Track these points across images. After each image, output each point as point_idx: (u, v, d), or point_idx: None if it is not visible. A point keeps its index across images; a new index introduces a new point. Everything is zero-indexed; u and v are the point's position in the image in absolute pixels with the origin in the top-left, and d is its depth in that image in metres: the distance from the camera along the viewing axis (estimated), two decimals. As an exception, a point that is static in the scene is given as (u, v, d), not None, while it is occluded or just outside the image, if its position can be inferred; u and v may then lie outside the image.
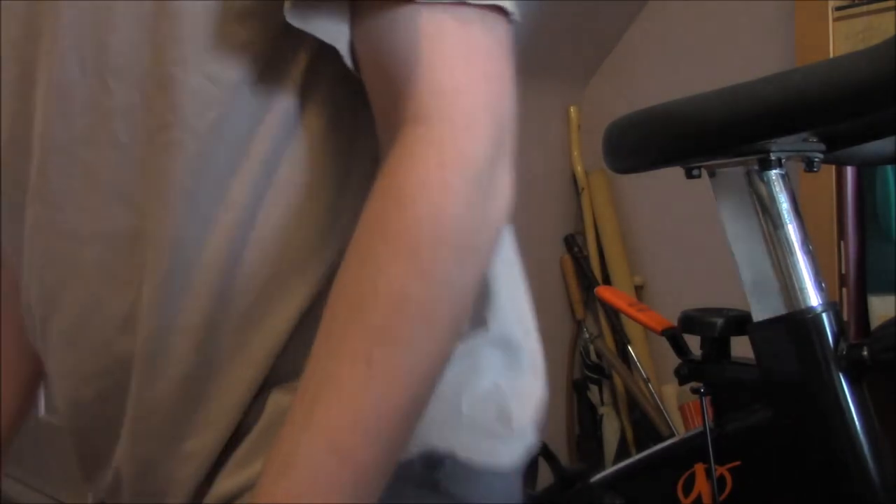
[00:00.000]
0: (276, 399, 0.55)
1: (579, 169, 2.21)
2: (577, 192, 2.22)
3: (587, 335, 2.17)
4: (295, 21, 0.49)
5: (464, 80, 0.49)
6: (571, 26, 2.06)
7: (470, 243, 0.48)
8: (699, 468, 0.91)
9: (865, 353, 0.82)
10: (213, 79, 0.52)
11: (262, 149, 0.53)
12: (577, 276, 2.19)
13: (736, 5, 1.94)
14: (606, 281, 2.16)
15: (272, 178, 0.54)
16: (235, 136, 0.53)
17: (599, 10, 2.06)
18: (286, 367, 0.54)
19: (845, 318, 1.54)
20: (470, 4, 0.49)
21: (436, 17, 0.49)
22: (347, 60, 0.51)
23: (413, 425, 0.49)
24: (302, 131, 0.54)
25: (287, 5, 0.49)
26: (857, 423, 0.83)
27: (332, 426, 0.46)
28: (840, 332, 0.85)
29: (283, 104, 0.53)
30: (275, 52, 0.53)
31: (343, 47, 0.51)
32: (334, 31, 0.50)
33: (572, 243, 2.20)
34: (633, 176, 1.01)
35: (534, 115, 2.15)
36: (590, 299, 2.21)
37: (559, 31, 2.05)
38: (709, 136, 0.82)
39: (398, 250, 0.47)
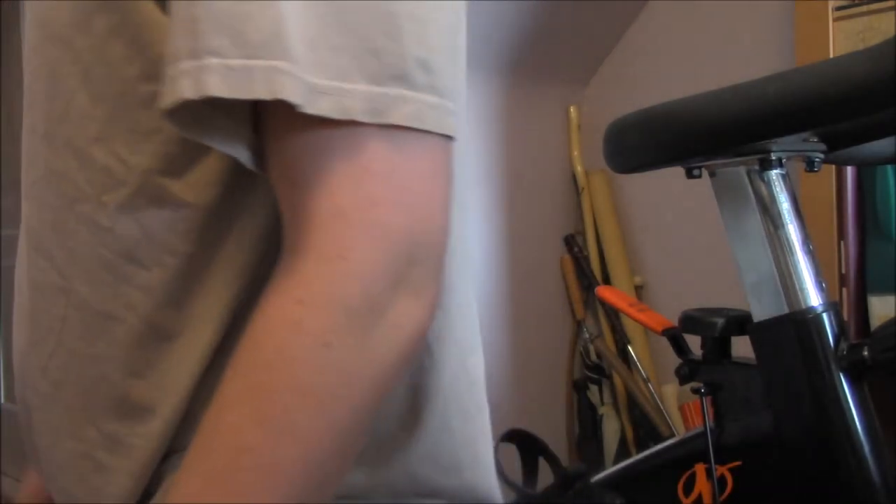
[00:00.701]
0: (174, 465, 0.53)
1: (579, 169, 2.21)
2: (577, 192, 2.22)
3: (587, 335, 2.17)
4: (188, 133, 0.45)
5: (344, 206, 0.43)
6: (571, 26, 2.06)
7: (327, 390, 0.43)
8: (700, 468, 0.91)
9: (866, 353, 0.82)
10: (122, 160, 0.51)
11: (176, 240, 0.51)
12: (577, 276, 2.19)
13: (736, 5, 1.94)
14: (606, 281, 2.16)
15: (189, 270, 0.51)
16: (151, 222, 0.51)
17: (599, 11, 2.06)
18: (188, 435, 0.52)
19: (845, 318, 1.54)
20: (362, 123, 0.43)
21: (324, 135, 0.44)
22: (249, 166, 0.47)
23: None
24: (224, 224, 0.51)
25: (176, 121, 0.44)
26: (857, 423, 0.83)
27: None
28: (840, 332, 0.85)
29: (202, 195, 0.50)
30: (186, 141, 0.49)
31: (243, 154, 0.46)
32: (232, 139, 0.46)
33: (572, 243, 2.20)
34: (633, 176, 1.01)
35: (534, 115, 2.15)
36: (590, 299, 2.21)
37: (559, 31, 2.05)
38: (709, 136, 0.82)
39: (243, 394, 0.43)
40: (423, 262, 0.45)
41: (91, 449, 0.56)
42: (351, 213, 0.43)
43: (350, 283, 0.43)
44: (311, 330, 0.43)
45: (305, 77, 0.42)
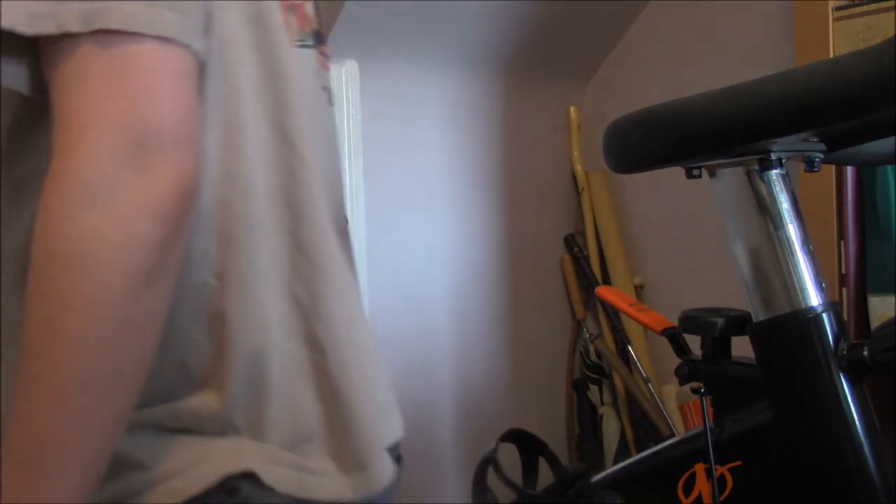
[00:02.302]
0: None
1: (579, 169, 2.21)
2: (577, 192, 2.22)
3: (587, 335, 2.17)
4: None
5: (76, 106, 0.53)
6: (571, 26, 2.06)
7: (77, 255, 0.51)
8: (699, 468, 0.91)
9: (865, 353, 0.82)
10: None
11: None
12: (577, 276, 2.19)
13: (736, 5, 1.94)
14: (606, 281, 2.16)
15: None
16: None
17: (599, 11, 2.06)
18: None
19: (845, 318, 1.54)
20: (75, 34, 0.52)
21: (55, 52, 0.53)
22: (29, 94, 0.56)
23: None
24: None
25: None
26: (857, 423, 0.83)
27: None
28: (840, 332, 0.85)
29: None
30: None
31: (23, 86, 0.55)
32: (11, 73, 0.55)
33: (572, 243, 2.20)
34: (633, 176, 1.01)
35: (534, 115, 2.15)
36: (590, 299, 2.21)
37: (559, 31, 2.05)
38: (709, 136, 0.82)
39: (31, 274, 0.53)
40: (154, 144, 0.53)
41: None
42: (82, 110, 0.52)
43: (83, 165, 0.52)
44: (56, 208, 0.52)
45: (27, 9, 0.52)
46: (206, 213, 0.60)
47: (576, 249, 2.19)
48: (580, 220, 2.22)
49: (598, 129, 0.92)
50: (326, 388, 0.65)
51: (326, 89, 0.73)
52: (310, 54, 0.69)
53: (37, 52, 0.54)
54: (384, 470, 0.66)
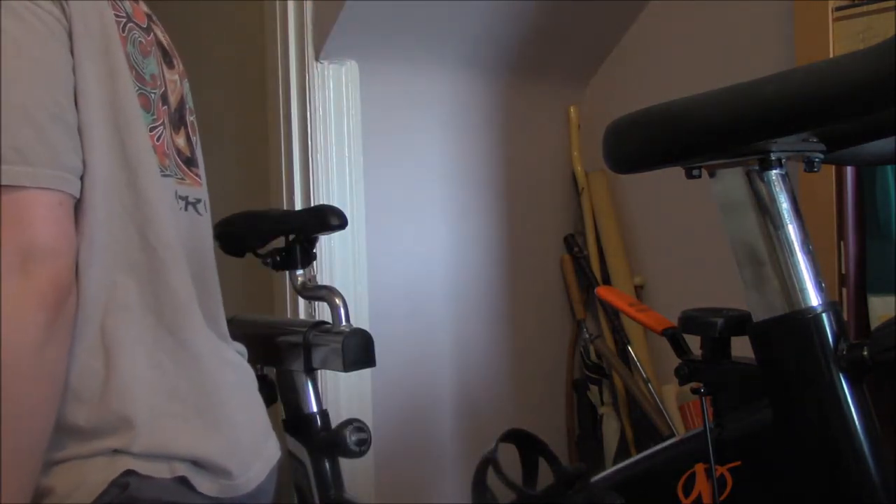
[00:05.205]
0: None
1: (579, 169, 2.21)
2: (577, 192, 2.22)
3: (587, 335, 2.17)
4: None
5: None
6: (571, 26, 2.06)
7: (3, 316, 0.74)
8: (699, 468, 0.91)
9: (865, 353, 0.82)
10: None
11: None
12: (577, 276, 2.19)
13: (736, 5, 1.94)
14: (606, 281, 2.17)
15: None
16: None
17: (599, 11, 2.06)
18: None
19: (845, 318, 1.54)
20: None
21: None
22: None
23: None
24: None
25: None
26: (857, 423, 0.83)
27: None
28: (840, 332, 0.85)
29: None
30: None
31: None
32: None
33: (572, 243, 2.20)
34: (633, 176, 1.01)
35: (534, 115, 2.15)
36: (590, 299, 2.21)
37: (559, 31, 2.05)
38: (709, 136, 0.82)
39: None
40: (35, 256, 0.75)
41: None
42: None
43: None
44: None
45: None
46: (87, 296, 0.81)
47: (576, 249, 2.19)
48: (580, 220, 2.22)
49: (598, 129, 0.92)
50: (186, 423, 0.84)
51: (200, 201, 0.96)
52: (171, 181, 0.91)
53: None
54: (240, 480, 0.88)
